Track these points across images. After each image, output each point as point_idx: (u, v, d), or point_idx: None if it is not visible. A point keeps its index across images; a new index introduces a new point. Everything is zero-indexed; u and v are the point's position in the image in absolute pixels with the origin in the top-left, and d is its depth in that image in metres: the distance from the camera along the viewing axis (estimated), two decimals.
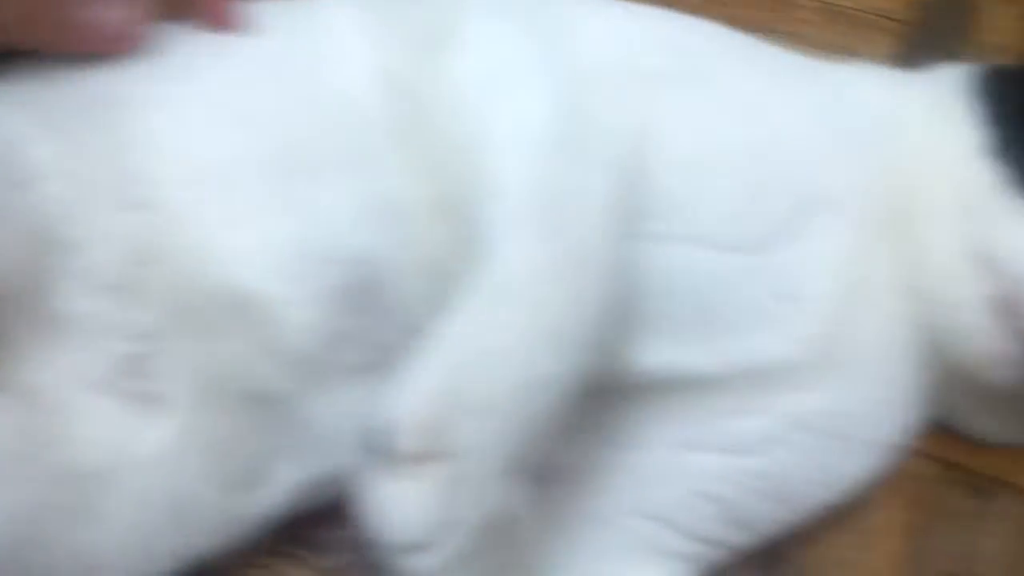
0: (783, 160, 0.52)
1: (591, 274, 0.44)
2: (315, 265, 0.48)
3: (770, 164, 0.52)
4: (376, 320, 0.49)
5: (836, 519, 0.58)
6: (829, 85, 0.58)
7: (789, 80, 0.57)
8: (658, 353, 0.50)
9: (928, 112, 0.57)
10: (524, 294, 0.42)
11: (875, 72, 0.62)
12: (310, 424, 0.50)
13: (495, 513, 0.39)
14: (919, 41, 0.82)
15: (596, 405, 0.51)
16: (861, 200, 0.54)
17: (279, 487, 0.50)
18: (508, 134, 0.47)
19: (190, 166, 0.49)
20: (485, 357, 0.40)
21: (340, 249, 0.48)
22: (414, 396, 0.39)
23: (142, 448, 0.46)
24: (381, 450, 0.38)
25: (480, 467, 0.39)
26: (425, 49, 0.51)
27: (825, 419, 0.54)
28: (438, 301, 0.43)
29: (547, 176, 0.45)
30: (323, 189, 0.49)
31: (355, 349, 0.49)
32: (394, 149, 0.50)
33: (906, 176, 0.55)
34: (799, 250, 0.52)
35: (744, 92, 0.54)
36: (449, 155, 0.48)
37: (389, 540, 0.38)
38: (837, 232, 0.52)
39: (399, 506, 0.38)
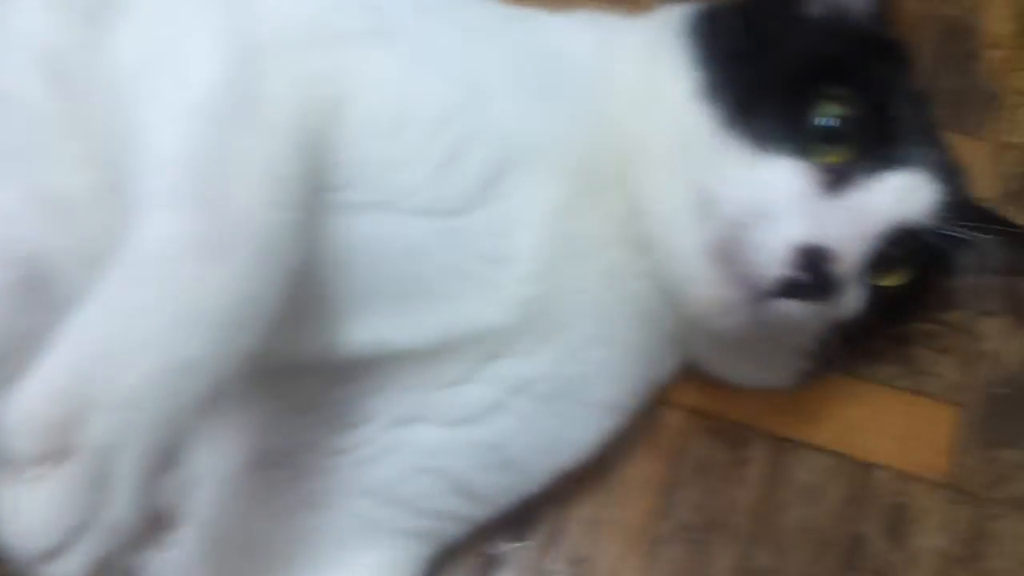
0: (478, 118, 0.49)
1: (246, 249, 0.39)
2: None
3: (465, 123, 0.48)
4: (52, 315, 0.42)
5: (587, 477, 0.57)
6: (533, 37, 0.55)
7: (487, 35, 0.53)
8: (365, 329, 0.47)
9: (642, 59, 0.55)
10: (159, 273, 0.38)
11: (588, 19, 0.58)
12: None
13: (139, 510, 0.36)
14: None
15: (309, 386, 0.48)
16: (566, 153, 0.51)
17: None
18: (166, 109, 0.42)
19: None
20: (115, 345, 0.36)
21: (3, 250, 0.44)
22: (33, 395, 0.35)
23: None
24: (3, 454, 0.35)
25: (114, 464, 0.35)
26: (89, 22, 0.46)
27: (547, 384, 0.52)
28: None
29: (201, 148, 0.41)
30: None
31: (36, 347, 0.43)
32: (58, 137, 0.46)
33: (620, 125, 0.53)
34: (500, 209, 0.48)
35: (437, 50, 0.50)
36: (111, 137, 0.43)
37: (22, 548, 0.34)
38: (539, 188, 0.49)
39: (27, 511, 0.34)
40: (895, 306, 0.54)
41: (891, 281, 0.52)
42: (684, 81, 0.52)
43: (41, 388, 0.35)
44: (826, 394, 0.62)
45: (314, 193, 0.43)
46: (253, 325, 0.38)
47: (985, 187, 0.69)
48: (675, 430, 0.62)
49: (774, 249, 0.47)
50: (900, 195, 0.50)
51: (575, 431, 0.54)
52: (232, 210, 0.39)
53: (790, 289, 0.47)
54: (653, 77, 0.54)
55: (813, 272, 0.46)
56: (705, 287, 0.50)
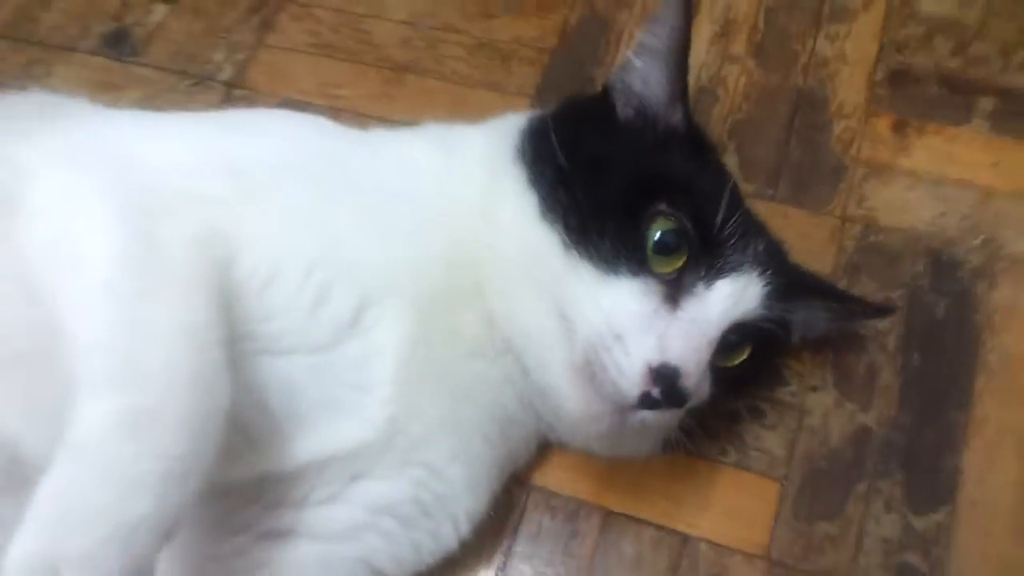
0: (337, 264, 0.50)
1: (171, 413, 0.42)
2: None
3: (325, 271, 0.49)
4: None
5: None
6: (381, 166, 0.55)
7: (339, 181, 0.53)
8: (246, 453, 0.49)
9: (483, 177, 0.55)
10: (97, 454, 0.40)
11: (432, 134, 0.58)
12: None
13: None
14: (560, 68, 0.80)
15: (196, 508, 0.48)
16: (420, 279, 0.52)
17: None
18: (73, 290, 0.44)
19: None
20: (72, 515, 0.40)
21: None
22: (14, 561, 0.39)
23: None
24: None
25: None
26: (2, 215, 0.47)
27: (410, 506, 0.53)
28: None
29: (113, 327, 0.43)
30: None
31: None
32: None
33: (470, 242, 0.53)
34: (362, 341, 0.50)
35: (296, 208, 0.51)
36: (27, 323, 0.45)
37: None
38: (396, 317, 0.51)
39: None
40: (737, 379, 0.55)
41: (734, 361, 0.54)
42: (523, 202, 0.53)
43: (19, 555, 0.39)
44: (658, 470, 0.62)
45: (225, 344, 0.44)
46: (195, 473, 0.41)
47: (828, 260, 0.69)
48: (514, 504, 0.62)
49: (631, 371, 0.49)
50: (731, 299, 0.52)
51: (440, 539, 0.55)
52: (153, 381, 0.41)
53: (648, 402, 0.49)
54: (495, 196, 0.54)
55: (666, 387, 0.48)
56: (575, 403, 0.52)
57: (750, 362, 0.55)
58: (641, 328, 0.49)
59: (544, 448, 0.62)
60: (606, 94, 0.58)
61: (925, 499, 0.61)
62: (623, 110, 0.57)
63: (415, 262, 0.52)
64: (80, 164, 0.49)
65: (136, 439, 0.41)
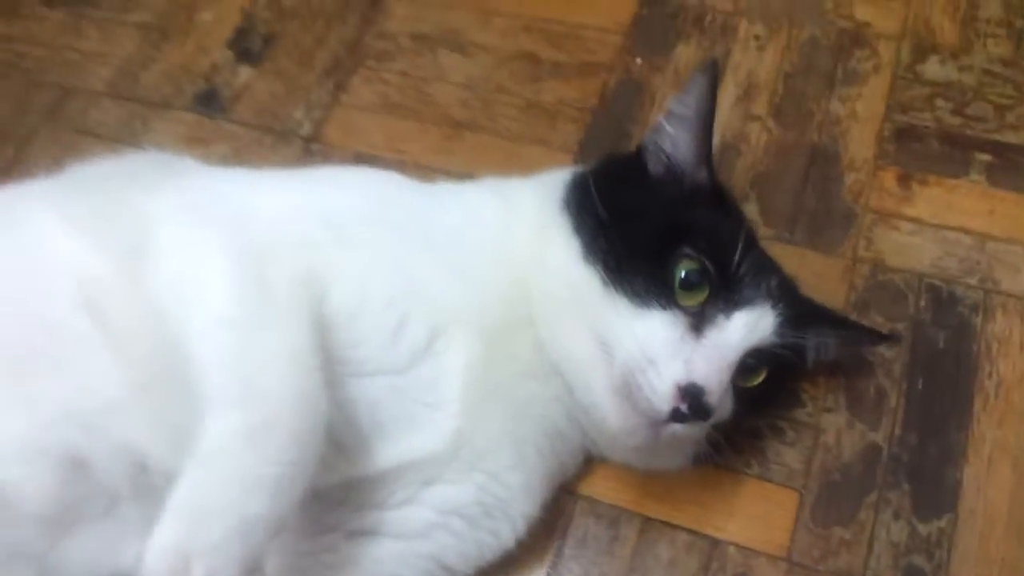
0: (414, 300, 0.58)
1: (285, 426, 0.49)
2: (35, 455, 0.52)
3: (404, 306, 0.58)
4: (96, 484, 0.54)
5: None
6: (450, 216, 0.64)
7: (417, 230, 0.62)
8: (339, 463, 0.57)
9: (534, 224, 0.63)
10: (224, 459, 0.48)
11: (491, 187, 0.68)
12: (65, 567, 0.54)
13: None
14: (600, 126, 0.89)
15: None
16: (482, 312, 0.60)
17: None
18: (198, 323, 0.52)
19: None
20: (202, 513, 0.47)
21: (53, 443, 0.53)
22: (154, 551, 0.46)
23: None
24: None
25: None
26: (125, 258, 0.55)
27: (475, 507, 0.61)
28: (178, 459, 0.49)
29: (232, 353, 0.51)
30: (39, 392, 0.53)
31: (87, 506, 0.54)
32: (103, 351, 0.54)
33: (524, 280, 0.62)
34: (434, 365, 0.58)
35: (381, 253, 0.59)
36: (156, 349, 0.53)
37: None
38: (463, 344, 0.59)
39: None
40: (757, 399, 0.62)
41: (752, 382, 0.61)
42: (568, 247, 0.61)
43: (158, 545, 0.46)
44: (690, 481, 0.69)
45: (324, 368, 0.52)
46: (302, 477, 0.49)
47: (839, 298, 0.77)
48: (563, 511, 0.69)
49: (662, 390, 0.56)
50: (747, 328, 0.59)
51: (500, 538, 0.63)
52: (267, 399, 0.50)
53: (677, 417, 0.56)
54: (544, 241, 0.63)
55: (692, 404, 0.55)
56: (614, 418, 0.59)
57: (767, 383, 0.62)
58: (670, 353, 0.56)
59: (589, 462, 0.70)
60: (639, 153, 0.66)
61: (929, 508, 0.67)
62: (654, 168, 0.65)
63: (478, 297, 0.60)
64: (199, 216, 0.58)
65: (255, 448, 0.48)
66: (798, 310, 0.62)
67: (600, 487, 0.70)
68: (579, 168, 0.68)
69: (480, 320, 0.60)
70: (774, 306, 0.60)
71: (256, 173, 0.68)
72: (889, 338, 0.72)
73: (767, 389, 0.62)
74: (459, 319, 0.59)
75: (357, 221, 0.61)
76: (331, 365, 0.54)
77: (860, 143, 0.85)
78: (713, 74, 0.63)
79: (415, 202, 0.65)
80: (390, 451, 0.58)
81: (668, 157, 0.65)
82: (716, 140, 0.87)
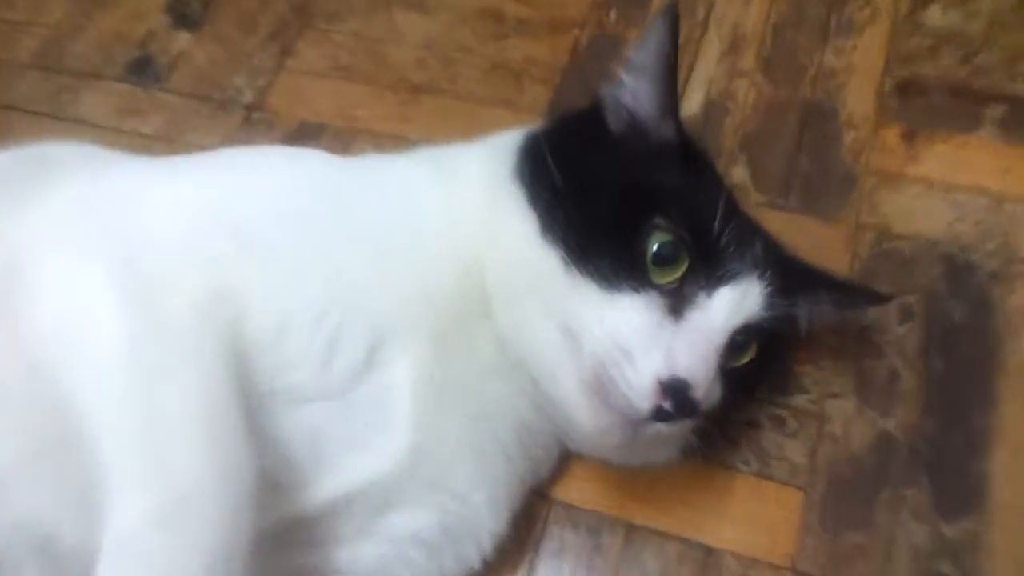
0: (344, 307, 0.48)
1: (202, 509, 0.40)
2: None
3: (334, 317, 0.48)
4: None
5: None
6: (379, 196, 0.53)
7: (338, 221, 0.51)
8: (278, 507, 0.47)
9: (483, 198, 0.53)
10: (137, 552, 0.40)
11: (428, 159, 0.57)
12: None
13: None
14: (572, 86, 0.79)
15: None
16: (429, 309, 0.51)
17: None
18: (88, 374, 0.42)
19: None
20: None
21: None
22: None
23: None
24: None
25: None
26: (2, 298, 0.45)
27: (434, 532, 0.52)
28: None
29: (132, 416, 0.41)
30: None
31: None
32: None
33: (475, 264, 0.52)
34: (380, 378, 0.49)
35: (297, 258, 0.49)
36: (48, 412, 0.43)
37: None
38: (410, 351, 0.49)
39: None
40: (747, 377, 0.54)
41: (740, 360, 0.53)
42: (523, 223, 0.52)
43: None
44: (680, 482, 0.60)
45: (245, 401, 0.43)
46: (237, 552, 0.40)
47: (842, 269, 0.68)
48: (536, 518, 0.60)
49: (640, 386, 0.47)
50: (733, 305, 0.51)
51: (465, 562, 0.54)
52: (179, 474, 0.40)
53: (660, 416, 0.48)
54: (496, 219, 0.53)
55: (677, 400, 0.47)
56: (586, 417, 0.50)
57: (759, 359, 0.54)
58: (647, 342, 0.48)
59: (564, 461, 0.60)
60: (597, 110, 0.57)
61: (954, 505, 0.58)
62: (615, 125, 0.56)
63: (423, 293, 0.51)
64: (76, 234, 0.47)
65: (172, 533, 0.40)
66: (786, 275, 0.54)
67: (577, 490, 0.61)
68: (531, 129, 0.58)
69: (427, 320, 0.50)
70: (761, 275, 0.52)
71: (149, 167, 0.56)
72: (889, 298, 0.62)
73: (758, 365, 0.54)
74: (403, 322, 0.50)
75: (269, 221, 0.50)
76: (257, 397, 0.45)
77: (858, 98, 0.76)
78: (673, 16, 0.53)
79: (339, 188, 0.54)
80: (335, 480, 0.49)
81: (629, 112, 0.55)
82: (701, 97, 0.80)
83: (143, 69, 0.86)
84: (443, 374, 0.51)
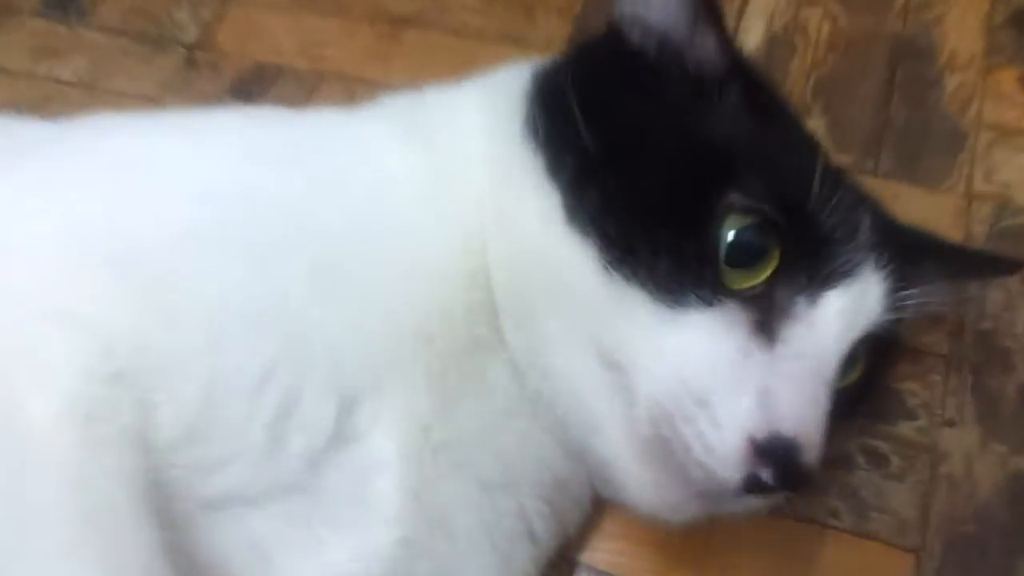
0: (305, 352, 0.33)
1: None
2: None
3: (290, 368, 0.33)
4: None
5: None
6: (345, 197, 0.37)
7: (289, 220, 0.35)
8: None
9: (485, 169, 0.38)
10: None
11: (407, 123, 0.40)
12: None
13: None
14: (596, 16, 0.63)
15: None
16: (415, 346, 0.36)
17: None
18: None
19: None
20: None
21: None
22: None
23: None
24: None
25: None
26: None
27: None
28: None
29: None
30: None
31: None
32: None
33: (477, 272, 0.37)
34: (357, 451, 0.34)
35: (231, 285, 0.33)
36: None
37: None
38: (397, 404, 0.35)
39: None
40: (852, 401, 0.39)
41: (852, 378, 0.39)
42: (541, 204, 0.36)
43: None
44: (747, 541, 0.44)
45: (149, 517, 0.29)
46: None
47: None
48: None
49: (725, 451, 0.34)
50: (849, 315, 0.36)
51: None
52: None
53: (756, 487, 0.34)
54: (503, 198, 0.38)
55: (781, 467, 0.33)
56: (646, 491, 0.37)
57: (864, 377, 0.39)
58: (731, 384, 0.34)
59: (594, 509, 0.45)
60: (616, 35, 0.40)
61: None
62: (647, 48, 0.39)
63: (410, 323, 0.36)
64: None
65: None
66: (898, 253, 0.38)
67: (608, 551, 0.45)
68: (541, 64, 0.41)
69: (419, 359, 0.36)
70: (878, 265, 0.37)
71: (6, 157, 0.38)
72: (1014, 266, 0.47)
73: (863, 386, 0.39)
74: (383, 370, 0.35)
75: (178, 248, 0.33)
76: (182, 514, 0.31)
77: (962, 33, 0.62)
78: None
79: (278, 175, 0.37)
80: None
81: (654, 30, 0.38)
82: (761, 31, 0.64)
83: (64, 2, 0.72)
84: (444, 431, 0.36)
